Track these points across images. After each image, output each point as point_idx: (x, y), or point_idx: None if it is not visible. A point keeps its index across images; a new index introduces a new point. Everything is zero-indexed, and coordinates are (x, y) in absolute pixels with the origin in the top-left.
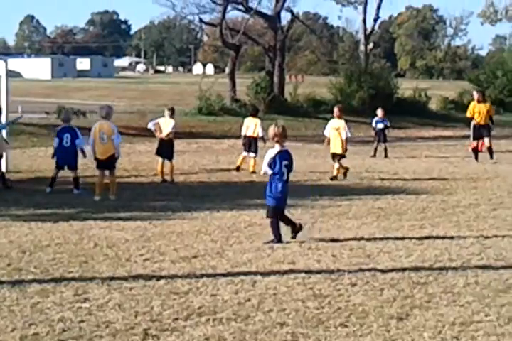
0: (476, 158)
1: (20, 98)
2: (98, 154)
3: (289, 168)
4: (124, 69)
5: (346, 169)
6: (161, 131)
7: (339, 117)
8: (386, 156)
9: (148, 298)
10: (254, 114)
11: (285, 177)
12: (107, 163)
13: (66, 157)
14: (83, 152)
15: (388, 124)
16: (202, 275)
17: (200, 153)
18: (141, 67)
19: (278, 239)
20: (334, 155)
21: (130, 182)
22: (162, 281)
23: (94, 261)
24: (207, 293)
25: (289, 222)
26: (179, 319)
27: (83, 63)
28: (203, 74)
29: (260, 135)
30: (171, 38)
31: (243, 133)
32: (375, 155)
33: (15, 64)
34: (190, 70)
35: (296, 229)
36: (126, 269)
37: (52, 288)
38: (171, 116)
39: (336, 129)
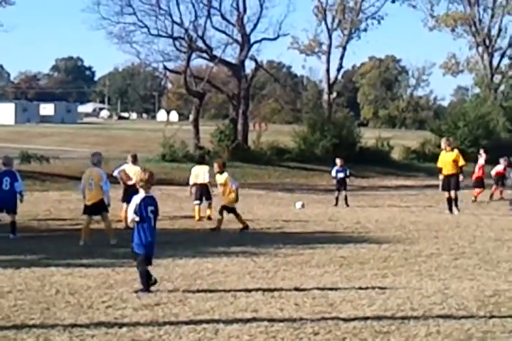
0: (450, 208)
1: None
2: (87, 200)
3: (155, 213)
4: (87, 115)
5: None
6: (127, 178)
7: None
8: (347, 205)
9: None
10: (202, 161)
11: (152, 224)
12: (94, 209)
13: (5, 200)
14: (21, 196)
15: (348, 173)
16: (164, 323)
17: (162, 200)
18: (104, 113)
19: (146, 288)
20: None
21: (93, 228)
22: (124, 329)
23: (56, 307)
24: (169, 340)
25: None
26: None
27: (47, 109)
28: (166, 121)
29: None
30: (135, 84)
31: (191, 182)
32: (337, 204)
33: None
34: (154, 117)
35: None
36: (88, 316)
37: (14, 335)
38: (134, 162)
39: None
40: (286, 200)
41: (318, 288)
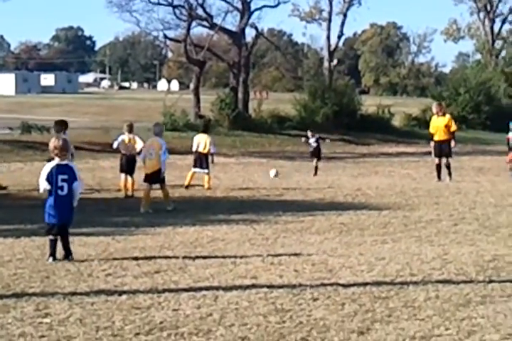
0: (439, 176)
1: None
2: (146, 169)
3: (70, 181)
4: (88, 85)
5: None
6: (129, 148)
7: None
8: (315, 174)
9: (110, 313)
10: (205, 130)
11: (63, 192)
12: (153, 177)
13: None
14: None
15: (320, 140)
16: (164, 291)
17: (173, 168)
18: (105, 83)
19: (51, 255)
20: None
21: (93, 197)
22: (124, 296)
23: (55, 276)
24: (169, 307)
25: (64, 246)
26: (140, 334)
27: (47, 79)
28: (167, 91)
29: (212, 151)
30: (135, 54)
31: (194, 149)
32: (316, 174)
33: None
34: (155, 86)
35: (66, 255)
36: (87, 284)
37: (13, 304)
38: (130, 131)
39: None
40: (287, 168)
41: (317, 254)
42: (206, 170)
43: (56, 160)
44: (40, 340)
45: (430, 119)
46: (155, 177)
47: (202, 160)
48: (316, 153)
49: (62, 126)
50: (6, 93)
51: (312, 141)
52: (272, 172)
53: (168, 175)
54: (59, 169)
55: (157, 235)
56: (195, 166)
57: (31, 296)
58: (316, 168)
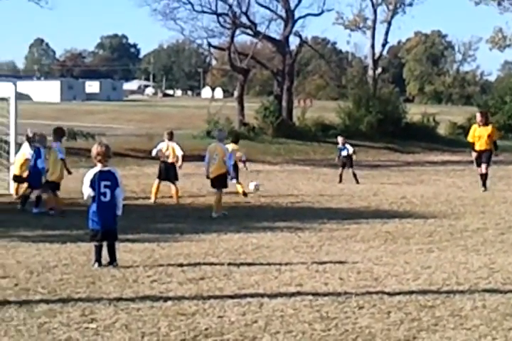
0: (484, 185)
1: (29, 120)
2: (209, 173)
3: (113, 188)
4: (133, 92)
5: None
6: (165, 156)
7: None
8: (357, 182)
9: (155, 319)
10: (236, 141)
11: (106, 199)
12: (217, 182)
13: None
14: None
15: (350, 151)
16: (209, 297)
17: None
18: (150, 91)
19: (96, 260)
20: None
21: (138, 204)
22: (169, 302)
23: (101, 281)
24: (214, 314)
25: (110, 253)
26: (186, 340)
27: (92, 86)
28: (211, 98)
29: (243, 159)
30: (179, 61)
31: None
32: (340, 181)
33: (24, 86)
34: (198, 94)
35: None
36: (133, 290)
37: (60, 308)
38: (170, 139)
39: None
40: (331, 176)
41: (362, 263)
42: (234, 181)
43: (99, 167)
44: None
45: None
46: (219, 182)
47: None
48: (349, 161)
49: (60, 134)
50: (52, 100)
51: (341, 148)
52: (252, 185)
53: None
54: (102, 175)
55: (202, 242)
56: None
57: (77, 301)
58: (355, 175)
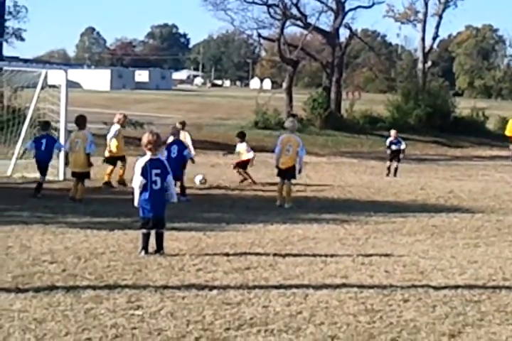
0: None
1: (79, 108)
2: (280, 164)
3: (163, 176)
4: (182, 82)
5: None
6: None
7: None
8: (395, 175)
9: (201, 308)
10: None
11: (157, 187)
12: (287, 173)
13: (173, 168)
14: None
15: (403, 146)
16: (254, 287)
17: (255, 167)
18: (198, 81)
19: (143, 248)
20: None
21: (188, 193)
22: (215, 291)
23: (147, 269)
24: (259, 304)
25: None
26: (230, 329)
27: (142, 75)
28: (260, 89)
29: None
30: (229, 52)
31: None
32: (388, 175)
33: (75, 75)
34: (247, 85)
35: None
36: (179, 278)
37: (106, 295)
38: (183, 129)
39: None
40: (378, 169)
41: (408, 256)
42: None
43: (149, 155)
44: (131, 332)
45: None
46: (290, 173)
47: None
48: (397, 156)
49: (82, 121)
50: (102, 88)
51: (394, 142)
52: (198, 178)
53: (259, 172)
54: (152, 163)
55: (248, 232)
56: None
57: (124, 288)
58: (396, 169)
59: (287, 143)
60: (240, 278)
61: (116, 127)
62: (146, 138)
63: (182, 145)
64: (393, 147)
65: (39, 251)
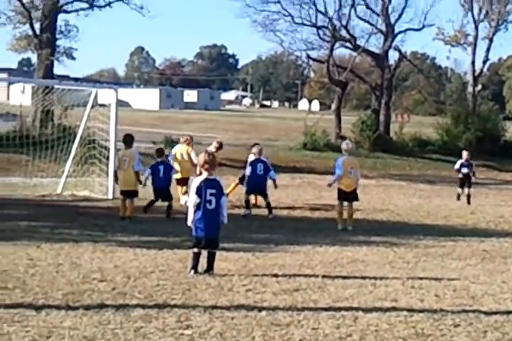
0: None
1: (128, 127)
2: (345, 187)
3: (218, 196)
4: (230, 102)
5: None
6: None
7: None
8: (469, 203)
9: (250, 328)
10: None
11: (211, 206)
12: (351, 196)
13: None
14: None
15: (474, 169)
16: (303, 309)
17: (303, 188)
18: (247, 101)
19: (193, 268)
20: None
21: (234, 213)
22: (264, 312)
23: (197, 289)
24: (308, 326)
25: (208, 261)
26: None
27: (190, 95)
28: (308, 110)
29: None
30: (277, 73)
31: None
32: (458, 199)
33: (124, 94)
34: (295, 106)
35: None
36: (228, 298)
37: (156, 314)
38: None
39: None
40: (427, 192)
41: (459, 280)
42: None
43: (205, 175)
44: None
45: None
46: (352, 195)
47: None
48: (468, 180)
49: (130, 140)
50: (151, 108)
51: (465, 164)
52: (183, 199)
53: (307, 194)
54: (208, 183)
55: (296, 253)
56: None
57: (173, 308)
58: (469, 196)
59: (349, 165)
60: (289, 300)
61: (184, 148)
62: (202, 158)
63: (267, 165)
64: (464, 170)
65: (89, 269)
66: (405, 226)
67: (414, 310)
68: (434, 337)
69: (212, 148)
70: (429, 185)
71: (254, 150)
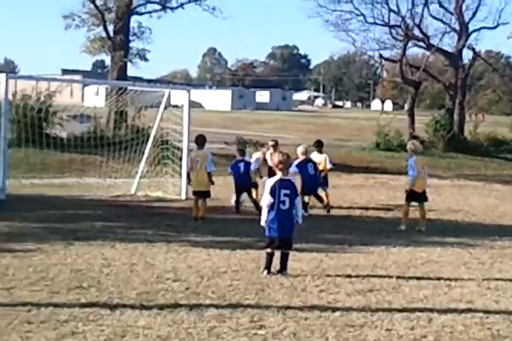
0: None
1: (201, 128)
2: (417, 187)
3: (292, 196)
4: (302, 103)
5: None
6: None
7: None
8: None
9: (323, 329)
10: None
11: (285, 207)
12: (422, 196)
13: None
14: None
15: None
16: (377, 310)
17: (376, 188)
18: (319, 102)
19: (266, 268)
20: None
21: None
22: (337, 313)
23: (270, 289)
24: (382, 327)
25: (282, 261)
26: None
27: (263, 96)
28: (381, 110)
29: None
30: (350, 73)
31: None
32: None
33: (197, 95)
34: (368, 106)
35: (281, 269)
36: (301, 299)
37: (229, 314)
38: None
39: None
40: (503, 192)
41: None
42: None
43: (279, 175)
44: None
45: None
46: (423, 196)
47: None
48: None
49: (202, 140)
50: (223, 108)
51: None
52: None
53: (380, 194)
54: (282, 184)
55: (370, 254)
56: None
57: (246, 308)
58: None
59: (420, 165)
60: (362, 301)
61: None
62: (276, 158)
63: (316, 165)
64: None
65: (163, 269)
66: (480, 226)
67: (489, 311)
68: (510, 339)
69: (268, 149)
70: (504, 185)
71: (301, 150)
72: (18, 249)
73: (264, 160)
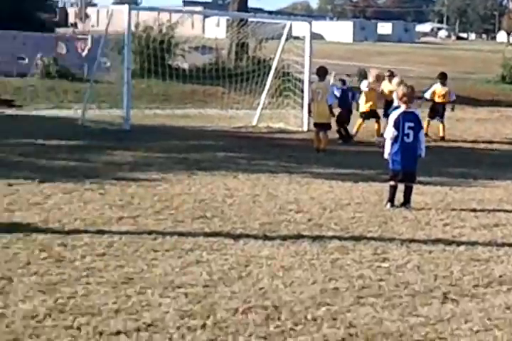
0: None
1: (322, 60)
2: None
3: (416, 129)
4: (425, 35)
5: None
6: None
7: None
8: None
9: (448, 263)
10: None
11: (409, 140)
12: None
13: None
14: None
15: None
16: (503, 244)
17: (501, 122)
18: (442, 34)
19: (389, 201)
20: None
21: (431, 146)
22: (462, 247)
23: (393, 222)
24: (509, 262)
25: (405, 194)
26: (479, 286)
27: (384, 27)
28: (507, 42)
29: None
30: (474, 4)
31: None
32: None
33: (318, 27)
34: (493, 38)
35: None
36: (425, 232)
37: (352, 246)
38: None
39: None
40: None
41: None
42: (441, 119)
43: (403, 107)
44: (378, 283)
45: None
46: None
47: (439, 109)
48: None
49: (323, 72)
50: (344, 40)
51: None
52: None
53: (505, 128)
54: (406, 116)
55: (496, 188)
56: (429, 116)
57: (369, 240)
58: None
59: None
60: (488, 235)
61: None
62: (401, 90)
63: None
64: None
65: (285, 200)
66: None
67: None
68: None
69: (370, 80)
70: None
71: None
72: (142, 178)
73: (373, 90)
